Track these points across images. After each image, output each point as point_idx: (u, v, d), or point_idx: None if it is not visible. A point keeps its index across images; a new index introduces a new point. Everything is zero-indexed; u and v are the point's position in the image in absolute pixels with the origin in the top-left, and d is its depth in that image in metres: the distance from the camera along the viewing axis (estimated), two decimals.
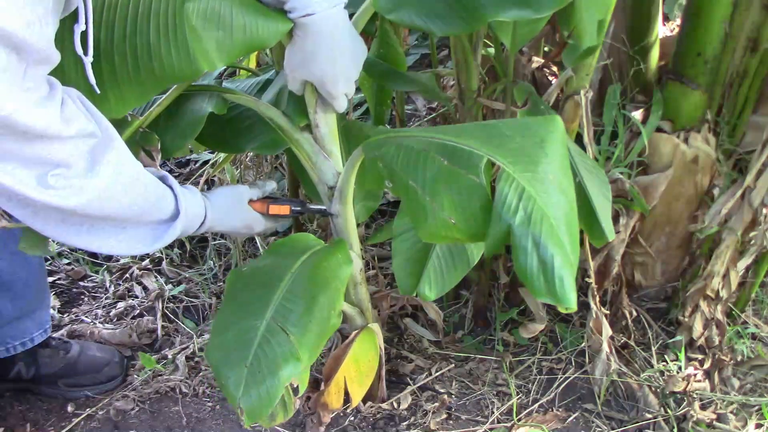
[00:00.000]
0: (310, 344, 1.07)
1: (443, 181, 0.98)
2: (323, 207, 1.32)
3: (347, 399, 1.39)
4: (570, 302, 0.90)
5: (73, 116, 0.91)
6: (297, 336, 1.06)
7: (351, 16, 1.15)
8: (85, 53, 0.98)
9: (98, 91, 1.01)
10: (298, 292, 1.12)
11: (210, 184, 2.13)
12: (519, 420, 1.52)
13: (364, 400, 1.54)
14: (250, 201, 1.29)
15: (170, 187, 1.12)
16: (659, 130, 1.57)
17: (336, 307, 1.15)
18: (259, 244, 2.02)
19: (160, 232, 1.10)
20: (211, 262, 2.04)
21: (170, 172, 2.48)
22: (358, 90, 2.25)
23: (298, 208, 1.32)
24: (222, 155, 2.03)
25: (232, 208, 1.26)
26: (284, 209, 1.30)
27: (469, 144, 0.99)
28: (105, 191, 0.96)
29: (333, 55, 1.11)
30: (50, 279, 2.02)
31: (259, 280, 1.16)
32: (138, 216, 1.05)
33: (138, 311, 1.91)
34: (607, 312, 1.59)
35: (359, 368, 1.38)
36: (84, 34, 0.96)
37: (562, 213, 0.92)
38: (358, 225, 1.41)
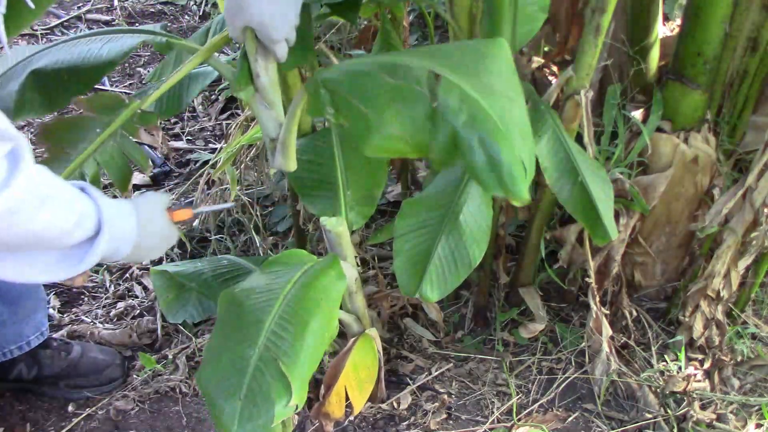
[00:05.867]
0: (302, 375, 1.05)
1: (387, 96, 0.97)
2: (226, 205, 1.28)
3: (349, 406, 1.38)
4: (521, 193, 0.89)
5: None
6: (289, 366, 1.04)
7: None
8: None
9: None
10: (290, 317, 1.10)
11: (210, 185, 2.13)
12: (519, 420, 1.52)
13: None
14: None
15: (92, 198, 0.99)
16: (659, 130, 1.57)
17: (330, 330, 1.13)
18: (258, 243, 2.02)
19: (82, 253, 0.97)
20: None
21: (170, 172, 2.48)
22: None
23: (197, 210, 1.29)
24: (222, 156, 2.03)
25: (158, 215, 1.16)
26: (187, 213, 1.23)
27: (412, 61, 0.99)
28: (16, 204, 0.83)
29: None
30: None
31: (251, 303, 1.14)
32: (56, 237, 0.93)
33: (138, 311, 1.91)
34: (607, 312, 1.59)
35: (359, 376, 1.37)
36: None
37: (510, 117, 0.91)
38: (353, 232, 1.39)
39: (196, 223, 2.12)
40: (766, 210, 1.52)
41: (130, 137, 1.25)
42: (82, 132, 1.19)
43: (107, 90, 2.90)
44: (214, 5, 3.46)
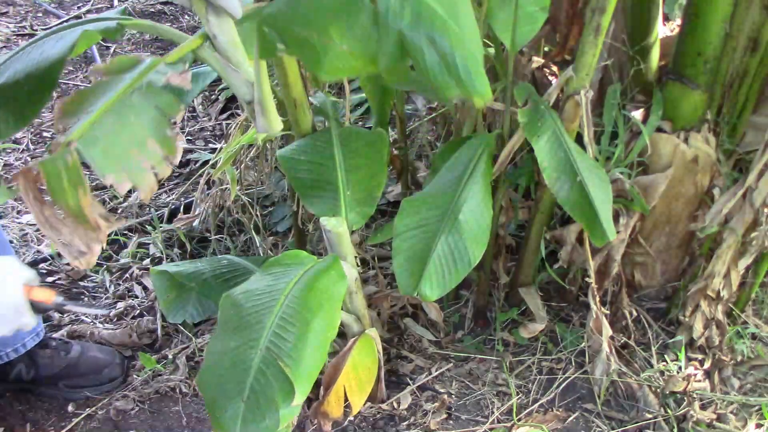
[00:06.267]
0: (306, 375, 1.05)
1: (329, 13, 0.92)
2: (99, 310, 1.34)
3: (347, 406, 1.38)
4: (481, 90, 0.85)
5: None
6: (292, 368, 1.04)
7: None
8: None
9: None
10: (291, 318, 1.10)
11: (210, 185, 2.13)
12: (519, 420, 1.52)
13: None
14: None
15: None
16: (659, 130, 1.57)
17: (333, 329, 1.13)
18: (258, 243, 2.02)
19: None
20: None
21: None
22: (359, 90, 2.26)
23: (61, 299, 1.21)
24: (222, 156, 2.03)
25: (10, 281, 1.09)
26: (47, 294, 1.18)
27: None
28: None
29: None
30: (50, 279, 2.02)
31: (251, 305, 1.14)
32: None
33: (138, 311, 1.91)
34: (607, 312, 1.59)
35: (359, 376, 1.37)
36: None
37: (455, 11, 0.86)
38: (353, 232, 1.38)
39: (196, 223, 2.12)
40: (766, 210, 1.52)
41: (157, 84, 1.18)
42: (104, 92, 1.09)
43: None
44: None
